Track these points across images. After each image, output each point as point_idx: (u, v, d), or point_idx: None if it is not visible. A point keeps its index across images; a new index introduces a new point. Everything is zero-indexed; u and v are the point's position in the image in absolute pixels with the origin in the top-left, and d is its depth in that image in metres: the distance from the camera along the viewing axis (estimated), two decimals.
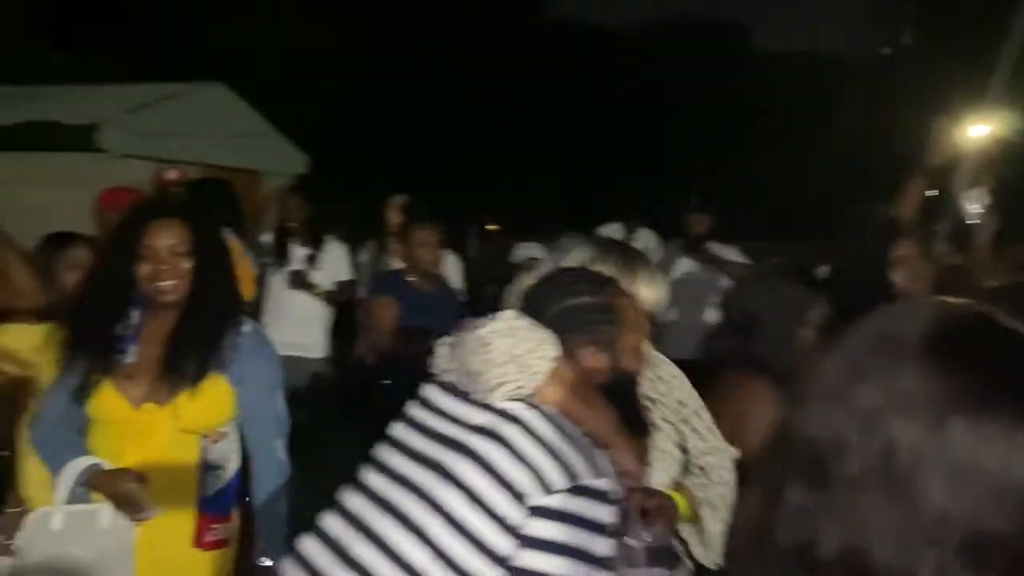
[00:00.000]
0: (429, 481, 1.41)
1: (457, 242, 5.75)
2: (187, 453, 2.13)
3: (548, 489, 1.34)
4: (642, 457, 1.69)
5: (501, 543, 1.33)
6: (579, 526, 1.34)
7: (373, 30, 18.88)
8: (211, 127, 6.76)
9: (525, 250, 4.55)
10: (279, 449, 2.28)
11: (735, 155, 22.24)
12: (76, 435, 2.10)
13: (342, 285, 4.86)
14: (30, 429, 2.18)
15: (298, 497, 4.60)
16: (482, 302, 5.70)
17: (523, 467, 1.36)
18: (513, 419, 1.42)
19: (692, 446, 1.94)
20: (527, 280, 1.68)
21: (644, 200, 7.30)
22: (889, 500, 0.68)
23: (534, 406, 1.44)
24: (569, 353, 1.50)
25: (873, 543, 0.67)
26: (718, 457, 1.95)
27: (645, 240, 6.72)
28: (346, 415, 4.68)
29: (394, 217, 4.57)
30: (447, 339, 1.57)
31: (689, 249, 5.41)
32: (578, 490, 1.35)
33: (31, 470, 2.23)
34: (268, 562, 2.17)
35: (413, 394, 1.79)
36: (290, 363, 4.65)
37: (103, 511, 1.99)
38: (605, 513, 1.38)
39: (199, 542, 2.13)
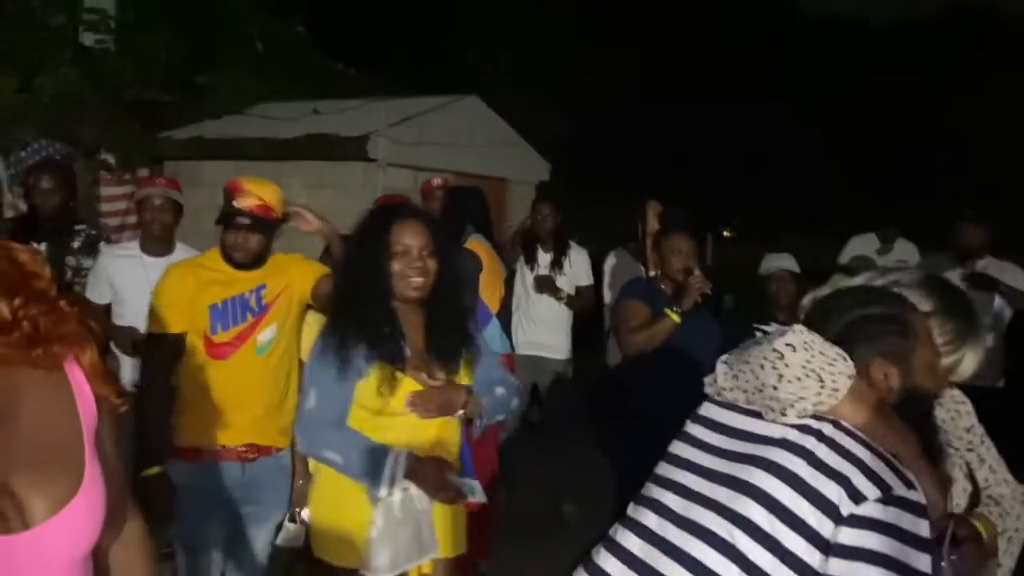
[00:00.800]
0: (729, 497, 1.39)
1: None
2: (453, 426, 2.38)
3: (858, 498, 1.29)
4: (943, 484, 1.59)
5: (810, 556, 1.29)
6: (894, 537, 1.28)
7: (614, 38, 19.06)
8: (465, 137, 7.18)
9: (776, 261, 4.37)
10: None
11: (1010, 160, 20.08)
12: (352, 430, 2.25)
13: (582, 290, 5.00)
14: (307, 430, 2.27)
15: (541, 489, 4.78)
16: (721, 311, 5.59)
17: (829, 478, 1.32)
18: (813, 432, 1.37)
19: (982, 477, 1.82)
20: (816, 293, 1.60)
21: (901, 207, 6.79)
22: None
23: (832, 421, 1.38)
24: (861, 367, 1.42)
25: None
26: (1009, 489, 1.82)
27: (903, 252, 6.26)
28: (587, 415, 4.79)
29: (651, 223, 4.61)
30: (724, 357, 1.52)
31: (961, 264, 4.98)
32: (891, 499, 1.30)
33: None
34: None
35: (658, 398, 1.79)
36: (533, 362, 4.91)
37: (420, 495, 2.21)
38: (921, 527, 1.30)
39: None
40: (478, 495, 2.25)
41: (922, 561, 1.27)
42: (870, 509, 1.28)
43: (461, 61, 14.32)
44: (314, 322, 2.75)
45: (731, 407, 1.50)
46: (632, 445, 3.00)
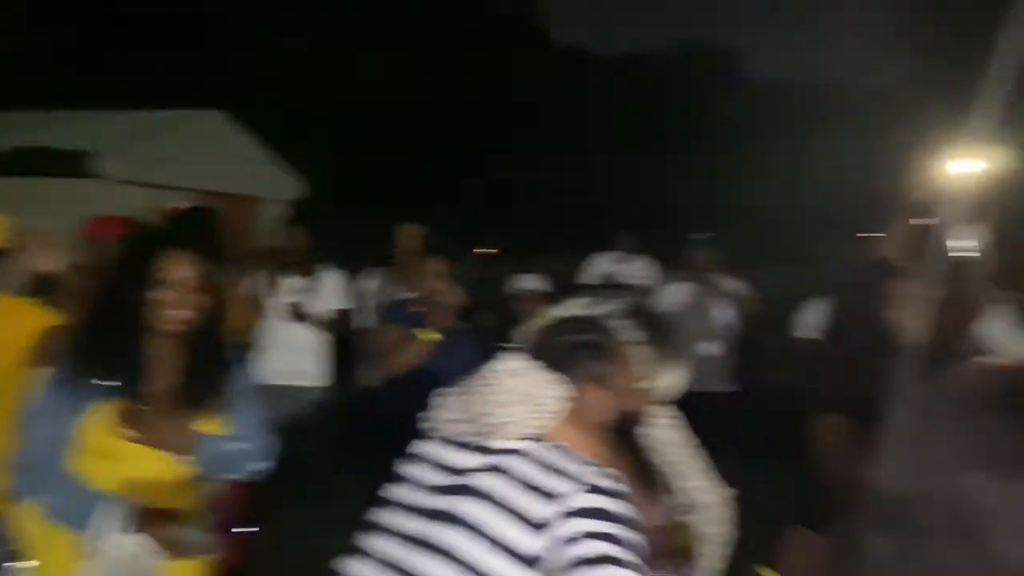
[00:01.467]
0: (440, 533, 1.40)
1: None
2: (189, 473, 2.16)
3: (561, 500, 1.34)
4: (651, 500, 1.67)
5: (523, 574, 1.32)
6: (603, 519, 1.33)
7: (373, 51, 19.03)
8: (208, 154, 6.76)
9: (524, 281, 4.53)
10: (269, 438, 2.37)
11: (723, 183, 22.51)
12: (73, 473, 2.01)
13: (337, 314, 4.86)
14: (21, 471, 2.05)
15: (303, 525, 4.56)
16: (480, 330, 5.69)
17: (532, 492, 1.36)
18: (517, 452, 1.42)
19: (690, 486, 1.95)
20: (535, 323, 1.68)
21: (636, 227, 7.31)
22: (965, 552, 0.69)
23: (541, 440, 1.44)
24: (575, 391, 1.50)
25: None
26: (712, 495, 1.96)
27: (641, 268, 6.73)
28: (348, 442, 4.67)
29: (406, 245, 4.57)
30: (449, 391, 1.56)
31: (694, 281, 5.40)
32: (595, 489, 1.35)
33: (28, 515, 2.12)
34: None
35: (415, 420, 1.76)
36: (289, 392, 4.67)
37: (145, 550, 1.99)
38: (630, 510, 1.37)
39: None
40: (211, 549, 2.06)
41: (635, 538, 1.35)
42: (575, 501, 1.34)
43: (214, 73, 13.58)
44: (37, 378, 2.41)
45: (447, 442, 1.52)
46: (391, 470, 2.95)
